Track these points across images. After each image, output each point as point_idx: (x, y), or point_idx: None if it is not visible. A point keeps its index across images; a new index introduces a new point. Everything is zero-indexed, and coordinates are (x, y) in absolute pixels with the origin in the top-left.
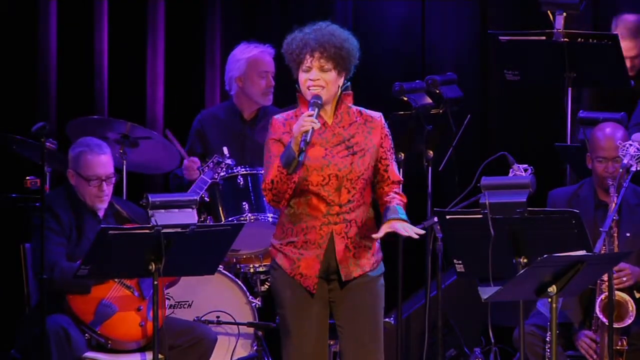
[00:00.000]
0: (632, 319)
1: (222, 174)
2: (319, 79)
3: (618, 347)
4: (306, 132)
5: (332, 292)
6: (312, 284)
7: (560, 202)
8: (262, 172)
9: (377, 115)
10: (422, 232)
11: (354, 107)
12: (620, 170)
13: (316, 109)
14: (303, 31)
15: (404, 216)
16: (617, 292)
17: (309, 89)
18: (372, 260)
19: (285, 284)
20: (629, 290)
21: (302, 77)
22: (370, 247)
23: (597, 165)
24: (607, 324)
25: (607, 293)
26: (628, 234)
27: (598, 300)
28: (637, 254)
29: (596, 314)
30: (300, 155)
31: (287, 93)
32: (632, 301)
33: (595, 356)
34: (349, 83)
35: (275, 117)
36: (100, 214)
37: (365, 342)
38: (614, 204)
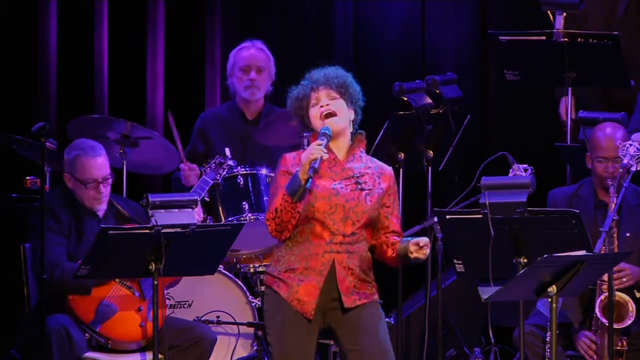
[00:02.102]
0: (632, 319)
1: (223, 174)
2: (329, 104)
3: (618, 348)
4: (315, 159)
5: (333, 321)
6: (309, 309)
7: (560, 201)
8: (262, 171)
9: (388, 168)
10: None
11: (366, 155)
12: (620, 170)
13: (325, 140)
14: (302, 83)
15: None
16: (616, 293)
17: (322, 116)
18: (373, 293)
19: (277, 309)
20: (629, 290)
21: (313, 111)
22: (370, 282)
23: (597, 165)
24: (607, 324)
25: (607, 293)
26: (628, 234)
27: (598, 301)
28: (637, 254)
29: (596, 314)
30: (307, 183)
31: (287, 92)
32: (632, 301)
33: (595, 357)
34: (363, 131)
35: (286, 154)
36: (100, 214)
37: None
38: (613, 204)
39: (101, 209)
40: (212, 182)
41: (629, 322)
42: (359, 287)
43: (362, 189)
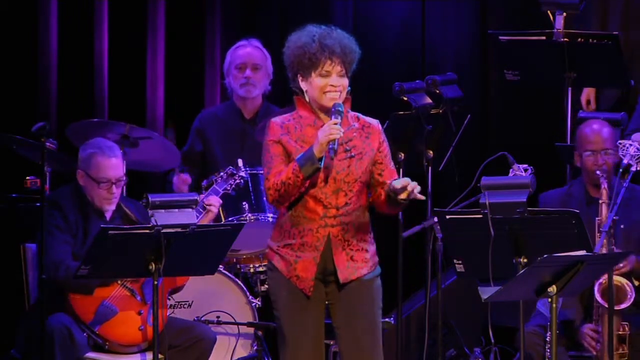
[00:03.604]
0: (631, 300)
1: (234, 185)
2: (340, 85)
3: (620, 333)
4: (333, 140)
5: (330, 294)
6: (307, 286)
7: (552, 203)
8: (262, 172)
9: (375, 121)
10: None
11: (352, 112)
12: (621, 169)
13: (340, 117)
14: (310, 34)
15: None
16: (616, 277)
17: (327, 94)
18: (370, 263)
19: (282, 285)
20: (627, 278)
21: (320, 81)
22: (367, 249)
23: (586, 160)
24: (607, 307)
25: (605, 276)
26: (622, 226)
27: (597, 285)
28: (634, 243)
29: (596, 299)
30: (321, 162)
31: (286, 92)
32: (629, 284)
33: (599, 346)
34: (349, 88)
35: (273, 119)
36: (108, 215)
37: (364, 345)
38: (604, 191)
39: (110, 209)
40: (222, 191)
41: (628, 303)
42: (356, 257)
43: (351, 157)
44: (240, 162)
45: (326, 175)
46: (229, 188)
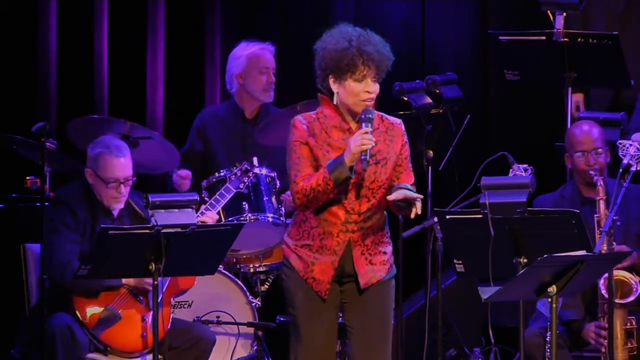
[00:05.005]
0: (637, 294)
1: (247, 182)
2: (374, 91)
3: (627, 327)
4: (365, 150)
5: (345, 293)
6: (324, 289)
7: (547, 206)
8: (263, 171)
9: (398, 121)
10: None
11: (376, 112)
12: (621, 169)
13: (370, 125)
14: (347, 37)
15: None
16: (618, 272)
17: (363, 100)
18: (388, 265)
19: (298, 285)
20: (629, 272)
21: (355, 86)
22: (385, 251)
23: (577, 161)
24: (614, 301)
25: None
26: (619, 223)
27: (602, 280)
28: (632, 239)
29: (601, 294)
30: (352, 171)
31: (287, 92)
32: (635, 278)
33: (606, 343)
34: None
35: (297, 118)
36: (115, 213)
37: (375, 346)
38: (601, 190)
39: (117, 208)
40: (235, 190)
41: (634, 297)
42: (374, 260)
43: (376, 162)
44: (255, 160)
45: (351, 182)
46: (242, 186)
